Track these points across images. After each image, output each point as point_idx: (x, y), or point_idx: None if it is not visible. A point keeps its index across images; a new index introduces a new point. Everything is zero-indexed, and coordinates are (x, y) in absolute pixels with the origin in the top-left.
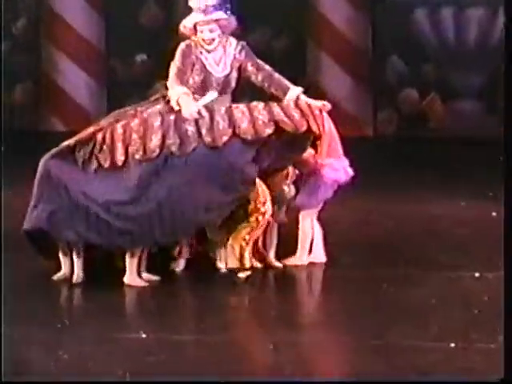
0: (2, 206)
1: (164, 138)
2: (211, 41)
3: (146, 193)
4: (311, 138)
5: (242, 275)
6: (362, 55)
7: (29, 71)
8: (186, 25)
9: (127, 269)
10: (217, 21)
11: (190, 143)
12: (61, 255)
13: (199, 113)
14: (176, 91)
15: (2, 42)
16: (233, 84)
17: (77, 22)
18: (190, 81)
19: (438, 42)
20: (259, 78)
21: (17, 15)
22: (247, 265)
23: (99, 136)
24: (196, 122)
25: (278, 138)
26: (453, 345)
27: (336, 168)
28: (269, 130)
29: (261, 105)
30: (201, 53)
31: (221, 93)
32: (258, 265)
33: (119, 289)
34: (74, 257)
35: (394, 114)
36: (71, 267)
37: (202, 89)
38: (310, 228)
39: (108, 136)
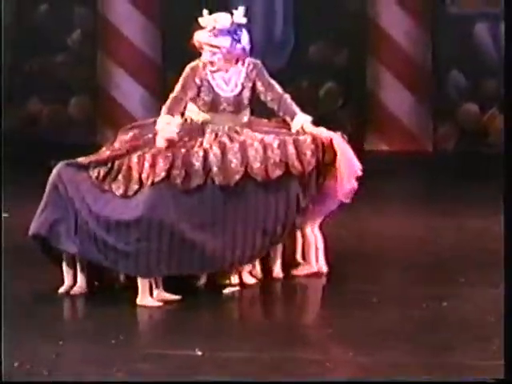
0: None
1: (171, 167)
2: (211, 63)
3: (153, 216)
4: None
5: (226, 291)
6: (422, 70)
7: (84, 84)
8: (195, 38)
9: (139, 289)
10: (218, 47)
11: (195, 179)
12: (64, 266)
13: (211, 148)
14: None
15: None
16: (245, 102)
17: (133, 34)
18: (200, 101)
19: (499, 56)
20: (268, 98)
21: (72, 27)
22: (233, 281)
23: (116, 165)
24: (205, 158)
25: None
26: None
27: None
28: (278, 172)
29: (276, 142)
30: (207, 74)
31: (234, 112)
32: (251, 281)
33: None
34: (78, 268)
35: (455, 129)
36: (74, 279)
37: (213, 108)
38: (312, 236)
39: (124, 167)
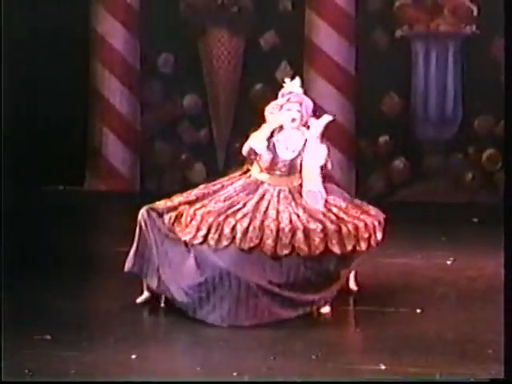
0: None
1: (208, 231)
2: (295, 119)
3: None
4: (346, 258)
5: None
6: None
7: None
8: (274, 106)
9: None
10: (301, 102)
11: (224, 241)
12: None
13: (243, 219)
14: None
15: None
16: (297, 168)
17: (331, 107)
18: (263, 158)
19: None
20: None
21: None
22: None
23: (180, 209)
24: (234, 226)
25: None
26: None
27: None
28: (286, 251)
29: (288, 227)
30: (273, 136)
31: (287, 174)
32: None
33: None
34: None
35: None
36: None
37: (269, 168)
38: None
39: (185, 214)
